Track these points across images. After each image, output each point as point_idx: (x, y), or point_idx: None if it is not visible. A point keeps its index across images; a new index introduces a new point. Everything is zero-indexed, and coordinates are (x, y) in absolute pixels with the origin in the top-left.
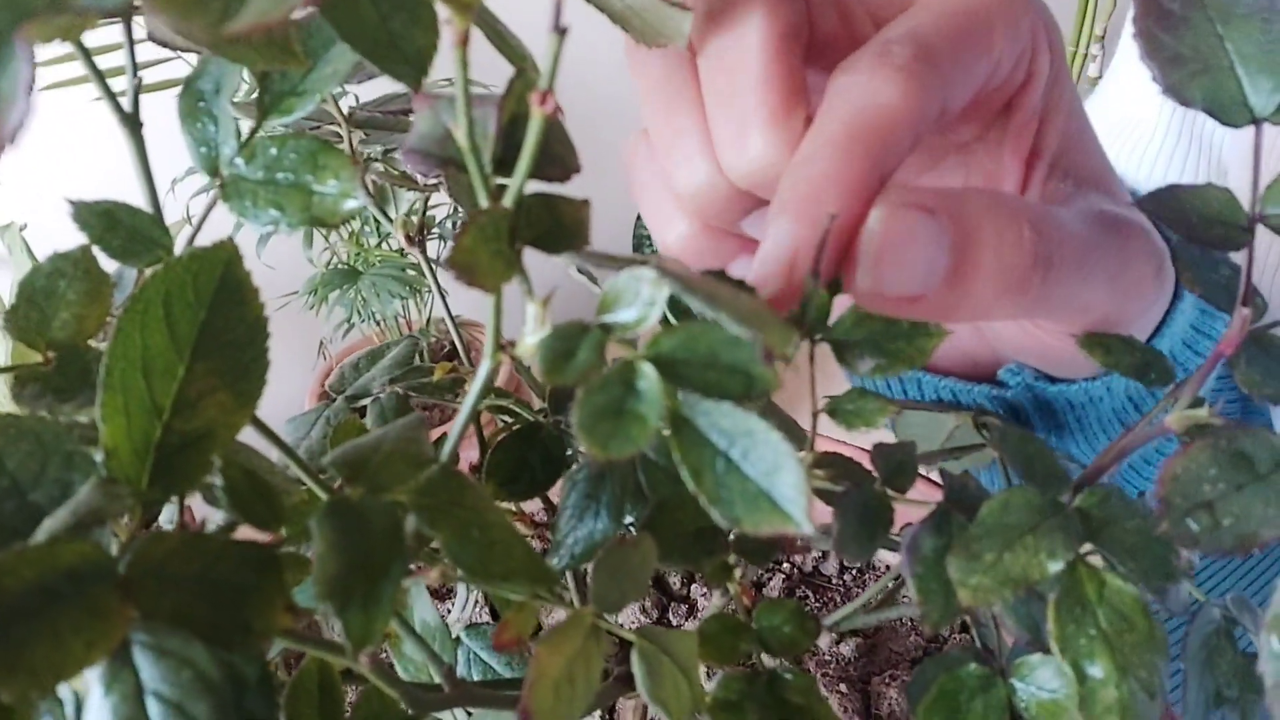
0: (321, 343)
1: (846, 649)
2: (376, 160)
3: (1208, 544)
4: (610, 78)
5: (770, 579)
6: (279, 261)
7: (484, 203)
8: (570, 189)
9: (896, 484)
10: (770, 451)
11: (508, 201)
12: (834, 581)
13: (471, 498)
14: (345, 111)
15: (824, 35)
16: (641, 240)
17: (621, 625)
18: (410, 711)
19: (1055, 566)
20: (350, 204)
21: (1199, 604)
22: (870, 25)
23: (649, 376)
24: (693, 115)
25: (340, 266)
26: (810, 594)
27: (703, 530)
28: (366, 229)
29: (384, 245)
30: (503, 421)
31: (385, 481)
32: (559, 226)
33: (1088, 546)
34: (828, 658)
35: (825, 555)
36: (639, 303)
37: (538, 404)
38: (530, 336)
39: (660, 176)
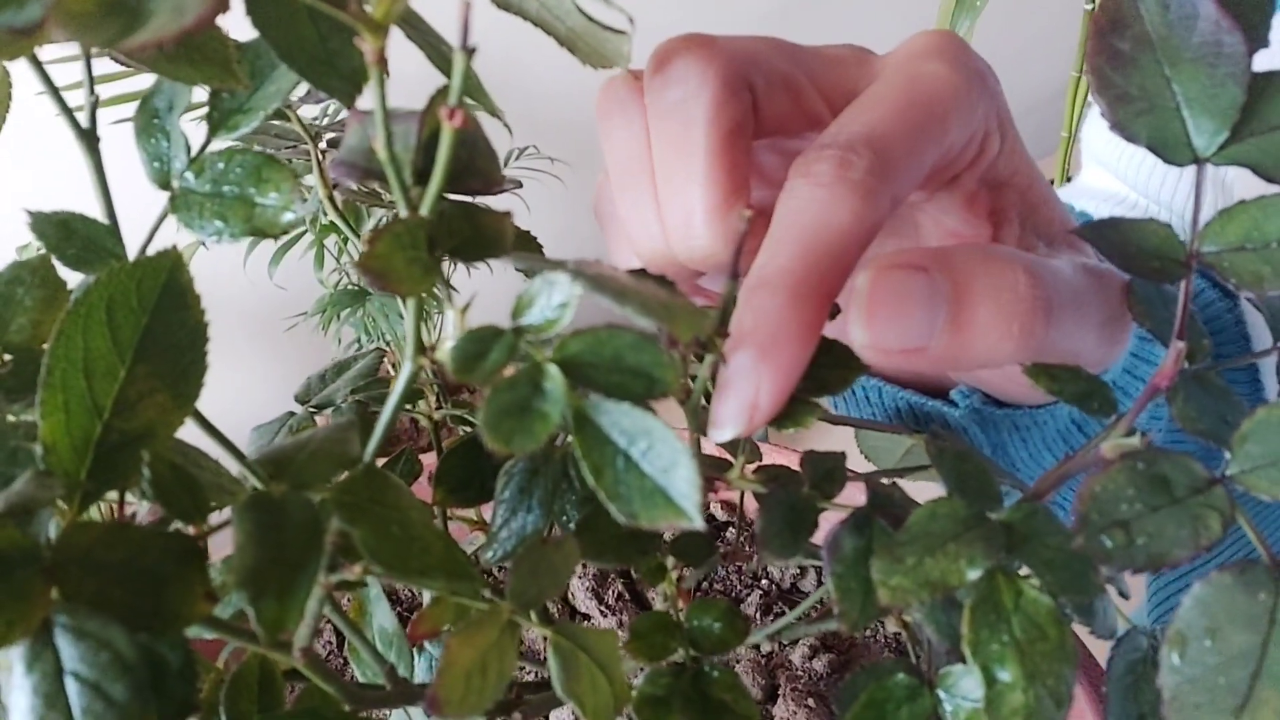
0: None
1: (819, 664)
2: None
3: (1120, 560)
4: None
5: (748, 595)
6: (290, 282)
7: (404, 212)
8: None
9: (824, 489)
10: (667, 450)
11: (425, 211)
12: None
13: (393, 496)
14: (314, 130)
15: (774, 115)
16: None
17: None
18: (348, 709)
19: (974, 574)
20: (289, 215)
21: (1127, 630)
22: (820, 102)
23: (555, 378)
24: (648, 190)
25: (350, 287)
26: (786, 609)
27: (638, 531)
28: None
29: None
30: (465, 431)
31: (308, 479)
32: (479, 236)
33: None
34: (800, 672)
35: (803, 572)
36: (551, 306)
37: None
38: (449, 340)
39: (620, 225)
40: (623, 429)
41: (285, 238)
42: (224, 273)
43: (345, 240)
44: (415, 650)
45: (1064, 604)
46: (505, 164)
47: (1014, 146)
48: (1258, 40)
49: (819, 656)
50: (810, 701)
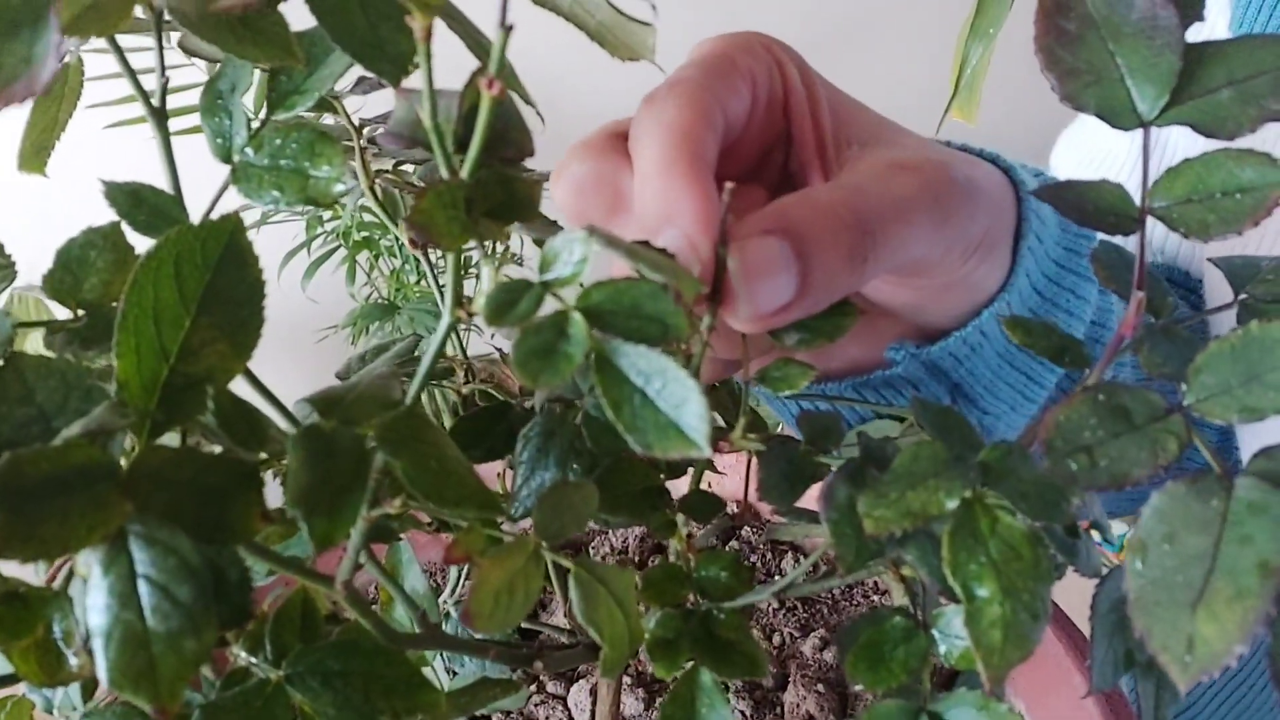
0: None
1: (829, 655)
2: (387, 171)
3: (1085, 481)
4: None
5: None
6: (321, 295)
7: (446, 175)
8: None
9: (821, 444)
10: (680, 388)
11: (465, 175)
12: (823, 594)
13: (431, 434)
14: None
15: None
16: None
17: None
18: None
19: (951, 503)
20: (340, 187)
21: (1111, 568)
22: None
23: (578, 324)
24: None
25: (380, 302)
26: (799, 604)
27: (649, 488)
28: (406, 266)
29: (423, 282)
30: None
31: (355, 416)
32: (512, 199)
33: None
34: (810, 662)
35: (815, 567)
36: (572, 261)
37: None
38: (484, 294)
39: None
40: (639, 369)
41: (319, 252)
42: None
43: (376, 256)
44: (443, 616)
45: (1049, 545)
46: None
47: (810, 77)
48: (1192, 14)
49: (829, 648)
50: (819, 688)
